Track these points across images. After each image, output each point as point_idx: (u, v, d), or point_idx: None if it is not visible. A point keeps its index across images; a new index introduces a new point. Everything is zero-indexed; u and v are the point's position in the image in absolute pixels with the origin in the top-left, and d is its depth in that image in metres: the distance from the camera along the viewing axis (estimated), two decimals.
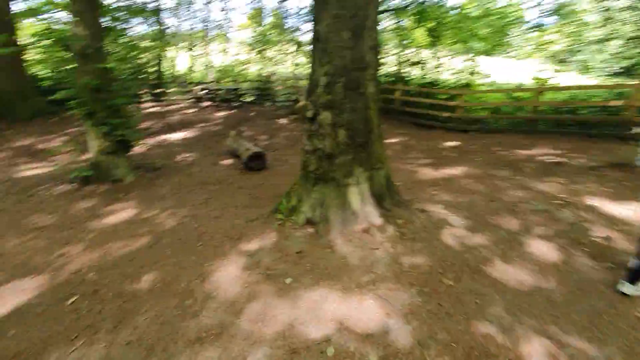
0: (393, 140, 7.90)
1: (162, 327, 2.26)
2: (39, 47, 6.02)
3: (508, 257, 2.82)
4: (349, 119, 2.99)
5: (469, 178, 4.81)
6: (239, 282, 2.72)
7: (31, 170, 6.61)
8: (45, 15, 6.80)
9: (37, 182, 5.82)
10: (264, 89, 14.76)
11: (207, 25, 17.19)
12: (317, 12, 2.95)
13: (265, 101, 14.54)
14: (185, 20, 15.95)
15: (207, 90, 13.77)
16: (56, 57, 6.08)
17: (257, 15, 18.69)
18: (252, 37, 17.91)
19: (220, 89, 13.83)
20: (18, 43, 9.62)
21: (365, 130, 3.08)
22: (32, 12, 5.20)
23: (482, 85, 13.33)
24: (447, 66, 13.85)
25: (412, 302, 2.37)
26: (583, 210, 3.61)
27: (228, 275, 2.85)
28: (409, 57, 13.01)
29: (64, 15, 6.54)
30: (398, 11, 12.69)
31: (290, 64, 16.95)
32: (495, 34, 15.12)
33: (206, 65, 17.39)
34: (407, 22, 15.70)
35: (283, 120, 10.85)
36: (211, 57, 17.62)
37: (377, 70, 3.18)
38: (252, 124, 10.50)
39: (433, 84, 12.08)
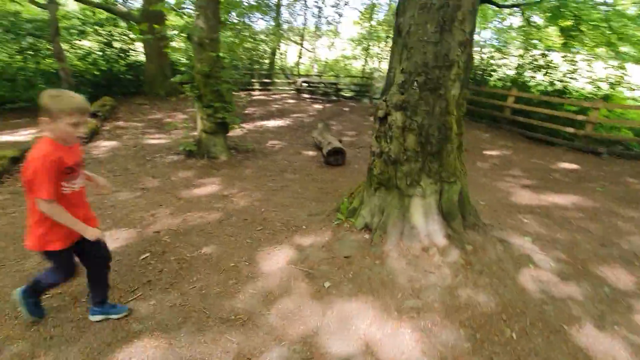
0: (492, 153, 6.95)
1: (202, 299, 2.42)
2: (174, 36, 7.05)
3: (606, 322, 2.17)
4: (422, 124, 2.68)
5: (579, 211, 3.89)
6: (280, 274, 2.73)
7: (155, 139, 7.90)
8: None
9: (156, 150, 6.92)
10: (363, 85, 14.67)
11: (319, 21, 17.85)
12: (402, 2, 2.69)
13: (364, 97, 14.45)
14: (299, 15, 16.82)
15: (308, 83, 14.35)
16: (184, 46, 7.14)
17: (369, 12, 18.58)
18: (360, 33, 17.91)
19: (321, 83, 14.25)
20: (164, 33, 11.57)
21: (440, 137, 2.72)
22: (175, 5, 6.15)
23: (630, 99, 10.69)
24: (582, 73, 11.50)
25: (457, 346, 2.02)
26: None
27: (273, 264, 2.89)
28: (534, 59, 11.19)
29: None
30: (526, 6, 11.01)
31: None
32: None
33: (312, 59, 18.10)
34: (537, 18, 13.60)
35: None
36: (318, 51, 18.27)
37: (468, 70, 2.76)
38: (344, 118, 10.54)
39: (562, 92, 10.20)
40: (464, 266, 2.70)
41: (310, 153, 7.20)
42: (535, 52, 11.84)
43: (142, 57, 13.16)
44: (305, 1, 16.86)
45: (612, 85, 9.70)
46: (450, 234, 2.93)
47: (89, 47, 12.34)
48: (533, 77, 11.15)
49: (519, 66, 11.70)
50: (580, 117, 7.66)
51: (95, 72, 11.65)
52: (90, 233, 1.77)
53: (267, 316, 2.27)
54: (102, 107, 9.16)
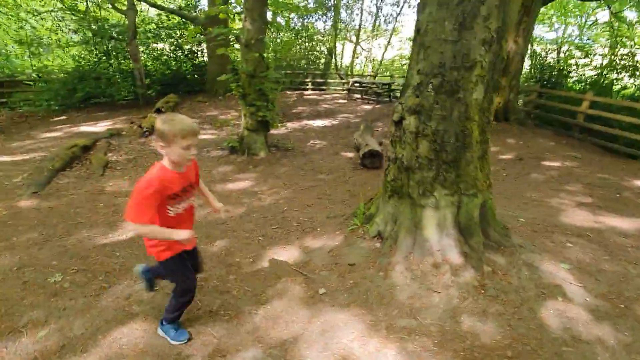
0: (553, 164, 6.17)
1: (198, 291, 2.51)
2: (221, 37, 7.44)
3: None
4: (437, 129, 2.46)
5: None
6: (279, 275, 2.72)
7: (207, 135, 8.45)
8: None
9: (205, 145, 7.40)
10: None
11: (377, 20, 17.49)
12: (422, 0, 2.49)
13: None
14: (357, 14, 16.66)
15: (359, 83, 14.17)
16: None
17: None
18: None
19: (373, 83, 13.98)
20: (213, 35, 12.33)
21: (458, 144, 2.47)
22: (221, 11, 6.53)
23: None
24: None
25: None
26: None
27: (275, 264, 2.90)
28: (621, 58, 9.69)
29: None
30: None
31: None
32: None
33: (367, 59, 17.84)
34: (630, 12, 11.80)
35: None
36: (374, 51, 17.94)
37: (496, 72, 2.47)
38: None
39: None
40: (476, 289, 2.43)
41: (349, 154, 7.09)
42: (624, 50, 10.24)
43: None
44: (362, 1, 16.63)
45: None
46: (467, 252, 2.65)
47: (162, 49, 13.63)
48: (618, 79, 9.65)
49: (601, 66, 10.22)
50: None
51: (166, 72, 12.82)
52: (180, 234, 1.73)
53: (253, 315, 2.27)
54: (165, 103, 10.05)
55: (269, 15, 6.96)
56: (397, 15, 16.46)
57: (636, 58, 10.35)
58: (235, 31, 6.82)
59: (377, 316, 2.25)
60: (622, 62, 9.71)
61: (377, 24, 17.47)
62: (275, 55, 13.86)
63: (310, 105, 12.40)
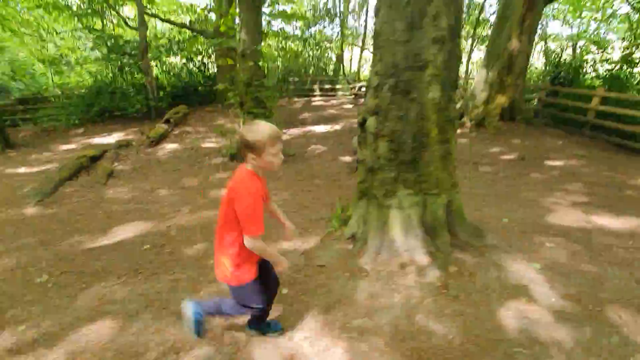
0: (556, 163, 5.96)
1: (169, 292, 2.61)
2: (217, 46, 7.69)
3: None
4: (393, 129, 2.47)
5: (633, 239, 3.11)
6: None
7: (211, 143, 8.69)
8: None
9: (208, 153, 7.62)
10: None
11: None
12: (377, 1, 2.52)
13: None
14: (364, 20, 16.74)
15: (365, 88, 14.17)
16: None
17: None
18: None
19: None
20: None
21: (415, 145, 2.46)
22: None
23: None
24: None
25: None
26: None
27: None
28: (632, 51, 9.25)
29: None
30: None
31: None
32: None
33: (367, 62, 17.82)
34: None
35: None
36: None
37: (452, 70, 2.46)
38: None
39: None
40: (438, 289, 2.40)
41: (347, 159, 7.11)
42: None
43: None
44: (367, 7, 16.67)
45: None
46: (433, 252, 2.63)
47: (174, 62, 14.15)
48: (631, 73, 9.20)
49: (616, 61, 9.78)
50: None
51: (176, 84, 13.30)
52: (283, 265, 1.76)
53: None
54: (174, 114, 10.42)
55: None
56: None
57: None
58: (233, 42, 7.05)
59: (334, 316, 2.26)
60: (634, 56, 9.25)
61: None
62: (283, 64, 14.15)
63: (316, 111, 12.50)
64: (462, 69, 15.84)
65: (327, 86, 15.60)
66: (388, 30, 2.37)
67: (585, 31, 15.01)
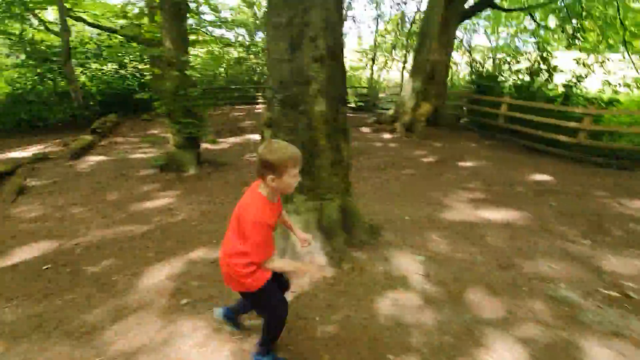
0: (467, 164, 6.61)
1: (62, 311, 2.53)
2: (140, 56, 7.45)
3: (440, 355, 1.98)
4: (287, 140, 2.64)
5: (506, 228, 3.60)
6: (150, 288, 2.79)
7: (142, 154, 8.36)
8: None
9: (136, 165, 7.32)
10: (364, 95, 14.60)
11: None
12: (266, 22, 2.71)
13: (370, 107, 14.39)
14: None
15: None
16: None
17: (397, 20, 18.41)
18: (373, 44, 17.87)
19: None
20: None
21: (306, 153, 2.66)
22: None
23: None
24: (600, 75, 10.64)
25: None
26: None
27: (154, 278, 2.96)
28: (536, 62, 10.57)
29: None
30: (533, 8, 10.43)
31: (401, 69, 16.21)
32: None
33: None
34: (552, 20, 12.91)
35: (366, 129, 10.47)
36: None
37: (337, 85, 2.70)
38: None
39: (567, 96, 9.51)
40: (329, 286, 2.60)
41: None
42: (548, 55, 11.14)
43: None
44: None
45: (608, 85, 8.91)
46: (330, 252, 2.84)
47: (100, 69, 13.33)
48: (545, 82, 10.46)
49: (521, 71, 11.09)
50: (572, 125, 7.09)
51: (105, 92, 12.55)
52: (311, 270, 1.90)
53: (107, 330, 2.32)
54: (102, 124, 9.86)
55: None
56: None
57: (554, 62, 11.33)
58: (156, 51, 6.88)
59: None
60: (538, 66, 10.57)
61: None
62: (223, 71, 14.00)
63: (258, 119, 12.55)
64: (398, 78, 16.86)
65: None
66: (274, 49, 2.55)
67: (504, 45, 16.77)
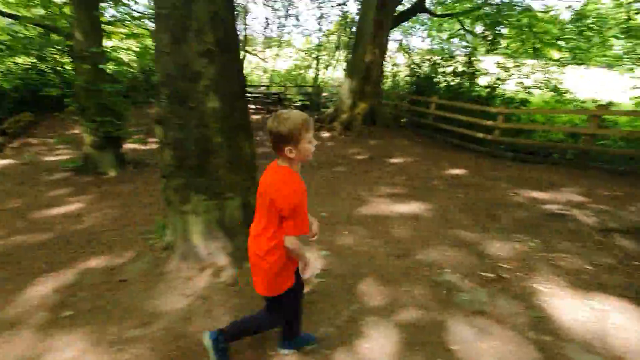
0: (395, 161, 6.92)
1: None
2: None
3: (329, 349, 2.03)
4: (177, 137, 2.55)
5: (412, 220, 3.82)
6: (32, 302, 2.53)
7: (59, 156, 7.63)
8: None
9: (47, 168, 6.65)
10: (308, 94, 14.68)
11: (267, 31, 17.89)
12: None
13: (314, 106, 14.47)
14: (244, 26, 16.89)
15: (249, 94, 14.27)
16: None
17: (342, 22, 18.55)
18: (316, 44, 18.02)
19: (263, 93, 14.20)
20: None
21: (199, 151, 2.59)
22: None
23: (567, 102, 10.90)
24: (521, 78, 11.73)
25: None
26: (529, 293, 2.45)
27: (39, 290, 2.69)
28: (455, 66, 11.38)
29: None
30: (461, 15, 11.17)
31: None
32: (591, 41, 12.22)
33: (263, 69, 18.12)
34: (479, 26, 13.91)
35: None
36: (270, 61, 18.30)
37: (232, 81, 2.65)
38: None
39: (487, 97, 10.36)
40: (227, 287, 2.56)
41: None
42: (477, 59, 12.02)
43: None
44: (245, 13, 16.87)
45: (524, 87, 9.90)
46: (232, 252, 2.79)
47: (13, 64, 11.97)
48: (461, 83, 11.28)
49: (450, 73, 11.88)
50: (488, 123, 7.72)
51: (21, 88, 11.29)
52: (311, 269, 1.68)
53: None
54: (15, 123, 8.87)
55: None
56: (282, 27, 17.15)
57: (480, 65, 12.27)
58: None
59: (111, 330, 2.21)
60: (462, 69, 11.39)
61: (268, 35, 17.93)
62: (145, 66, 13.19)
63: None
64: (342, 77, 17.20)
65: None
66: (159, 42, 2.44)
67: (437, 49, 17.83)
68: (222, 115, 2.63)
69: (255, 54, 18.72)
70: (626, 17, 9.05)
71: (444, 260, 2.92)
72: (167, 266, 2.82)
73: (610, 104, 8.73)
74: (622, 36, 10.11)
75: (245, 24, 16.89)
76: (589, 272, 2.75)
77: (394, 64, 17.31)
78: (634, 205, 4.08)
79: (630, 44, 10.56)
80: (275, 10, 16.40)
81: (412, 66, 14.46)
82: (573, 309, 2.31)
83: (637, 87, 8.89)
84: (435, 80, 12.83)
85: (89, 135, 6.15)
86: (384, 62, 10.61)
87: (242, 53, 17.77)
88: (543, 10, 11.24)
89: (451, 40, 17.00)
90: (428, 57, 15.40)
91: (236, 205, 2.82)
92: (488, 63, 12.73)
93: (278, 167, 1.55)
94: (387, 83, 16.45)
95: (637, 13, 8.73)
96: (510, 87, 11.84)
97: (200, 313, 2.30)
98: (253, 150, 2.98)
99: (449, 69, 13.18)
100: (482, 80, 11.94)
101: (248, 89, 14.83)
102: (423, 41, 18.61)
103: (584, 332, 2.11)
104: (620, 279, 2.67)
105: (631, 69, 10.66)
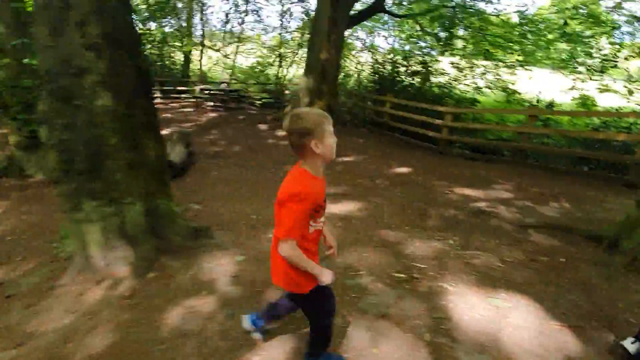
0: (345, 159, 6.89)
1: None
2: None
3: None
4: (62, 139, 2.33)
5: (343, 221, 3.78)
6: None
7: None
8: None
9: None
10: (270, 91, 14.46)
11: (226, 27, 17.43)
12: None
13: (274, 104, 14.25)
14: (201, 19, 16.39)
15: (208, 90, 13.86)
16: None
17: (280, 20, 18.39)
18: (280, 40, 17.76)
19: (221, 90, 13.82)
20: None
21: (91, 154, 2.38)
22: None
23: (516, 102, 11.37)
24: (470, 78, 12.13)
25: None
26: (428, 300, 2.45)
27: None
28: (410, 66, 11.60)
29: None
30: (420, 15, 11.33)
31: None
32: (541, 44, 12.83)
33: (225, 66, 17.66)
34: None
35: (263, 126, 10.33)
36: (232, 57, 17.85)
37: (128, 77, 2.46)
38: (229, 127, 10.15)
39: (441, 97, 10.61)
40: (122, 300, 2.36)
41: None
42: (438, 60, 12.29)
43: None
44: (203, 7, 16.37)
45: (475, 88, 10.25)
46: (135, 262, 2.59)
47: None
48: (418, 82, 11.49)
49: (407, 72, 12.08)
50: (438, 122, 7.89)
51: None
52: (326, 277, 1.51)
53: None
54: None
55: None
56: (242, 23, 16.77)
57: (437, 66, 12.58)
58: None
59: None
60: (424, 68, 11.63)
61: (229, 30, 17.48)
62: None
63: None
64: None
65: (169, 88, 14.59)
66: (39, 34, 2.20)
67: (397, 49, 18.11)
68: (117, 115, 2.43)
69: (217, 50, 18.19)
70: (563, 21, 9.58)
71: (362, 262, 2.88)
72: (61, 279, 2.58)
73: (550, 104, 9.22)
74: (562, 40, 10.71)
75: (203, 18, 16.39)
76: (499, 269, 2.80)
77: (358, 63, 17.40)
78: (557, 201, 4.26)
79: (569, 47, 11.22)
80: (236, 5, 16.01)
81: (376, 65, 14.60)
82: (474, 308, 2.33)
83: (575, 88, 9.43)
84: (397, 79, 13.01)
85: (13, 135, 5.66)
86: (342, 61, 10.60)
87: (200, 48, 17.28)
88: (494, 13, 11.69)
89: (411, 40, 17.30)
90: (390, 56, 15.64)
91: (139, 211, 2.63)
92: (446, 64, 13.09)
93: (297, 169, 1.49)
94: (351, 82, 16.52)
95: (572, 18, 9.27)
96: (466, 88, 12.23)
97: (83, 331, 2.10)
98: (161, 151, 2.80)
99: (407, 69, 13.43)
100: (440, 80, 12.26)
101: (207, 86, 14.36)
102: (386, 39, 18.81)
103: (480, 333, 2.12)
104: (526, 275, 2.74)
105: (574, 71, 11.31)
